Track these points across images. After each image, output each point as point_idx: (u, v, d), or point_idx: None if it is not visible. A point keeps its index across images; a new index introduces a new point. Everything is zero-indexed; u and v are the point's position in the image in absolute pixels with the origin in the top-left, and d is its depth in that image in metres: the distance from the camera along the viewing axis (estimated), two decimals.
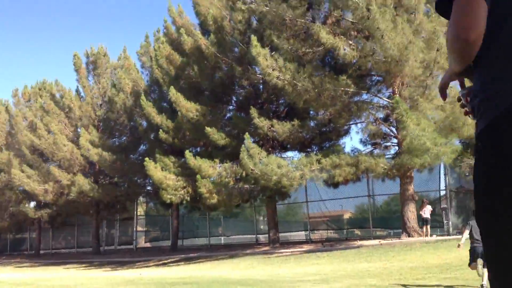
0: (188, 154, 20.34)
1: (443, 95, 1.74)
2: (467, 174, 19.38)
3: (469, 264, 7.88)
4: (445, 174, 21.22)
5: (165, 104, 26.31)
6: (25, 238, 43.94)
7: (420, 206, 19.93)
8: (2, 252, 43.82)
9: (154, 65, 24.52)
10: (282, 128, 19.88)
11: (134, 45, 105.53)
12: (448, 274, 10.08)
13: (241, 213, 33.31)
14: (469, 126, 16.04)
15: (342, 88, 17.82)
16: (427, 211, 19.66)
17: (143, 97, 24.51)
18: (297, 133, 20.17)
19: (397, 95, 17.15)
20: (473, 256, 7.70)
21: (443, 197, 22.57)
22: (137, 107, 27.04)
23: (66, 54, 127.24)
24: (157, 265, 21.24)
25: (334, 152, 18.98)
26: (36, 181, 30.78)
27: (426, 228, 19.51)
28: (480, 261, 7.40)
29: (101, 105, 33.09)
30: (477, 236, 7.49)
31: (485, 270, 7.08)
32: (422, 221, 19.70)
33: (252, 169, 18.34)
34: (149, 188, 30.87)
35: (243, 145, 19.06)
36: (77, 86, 34.26)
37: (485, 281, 7.25)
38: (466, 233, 8.13)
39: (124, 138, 31.75)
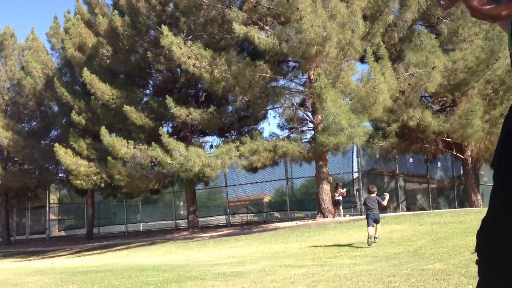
0: (103, 130, 19.44)
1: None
2: (377, 156, 20.32)
3: (368, 226, 11.03)
4: (357, 157, 22.15)
5: (77, 87, 25.24)
6: None
7: (334, 189, 20.72)
8: None
9: (66, 45, 23.32)
10: (200, 115, 19.75)
11: (42, 27, 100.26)
12: (358, 252, 10.57)
13: (160, 199, 32.91)
14: (378, 107, 16.74)
15: (260, 74, 17.97)
16: (339, 194, 20.54)
17: (57, 78, 23.35)
18: (215, 119, 20.13)
19: (318, 69, 17.48)
20: (369, 220, 11.01)
21: (356, 179, 23.58)
22: (48, 90, 25.73)
23: None
24: (71, 254, 20.53)
25: (252, 137, 19.16)
26: None
27: (339, 209, 20.37)
28: (374, 224, 11.06)
29: (9, 88, 31.14)
30: (371, 205, 11.22)
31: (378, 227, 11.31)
32: (335, 203, 20.52)
33: (170, 163, 18.00)
34: (61, 175, 29.66)
35: (153, 143, 18.42)
36: None
37: (377, 234, 11.20)
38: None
39: (34, 123, 30.18)
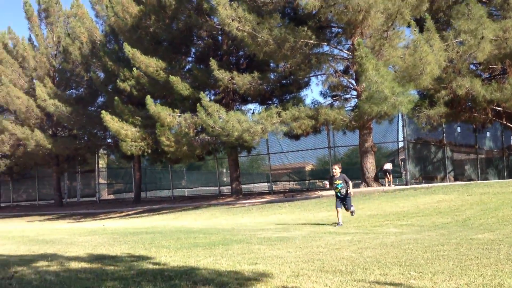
0: (149, 100, 19.86)
1: None
2: (424, 125, 19.88)
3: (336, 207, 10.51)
4: (403, 126, 21.72)
5: (122, 54, 25.59)
6: None
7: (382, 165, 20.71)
8: None
9: (110, 14, 23.54)
10: (242, 80, 19.73)
11: None
12: (404, 221, 10.49)
13: (203, 165, 33.40)
14: (425, 77, 16.29)
15: (302, 40, 17.73)
16: (388, 165, 20.40)
17: (101, 46, 23.71)
18: (257, 85, 20.06)
19: (358, 38, 17.14)
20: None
21: (401, 148, 23.19)
22: (94, 57, 26.17)
23: (18, 0, 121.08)
24: (120, 217, 21.26)
25: (294, 104, 19.05)
26: None
27: (389, 178, 20.21)
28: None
29: (55, 55, 31.89)
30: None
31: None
32: (383, 172, 20.39)
33: (212, 126, 18.22)
34: (109, 140, 30.46)
35: (198, 104, 18.76)
36: (30, 35, 32.85)
37: (341, 220, 10.36)
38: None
39: (82, 89, 30.90)
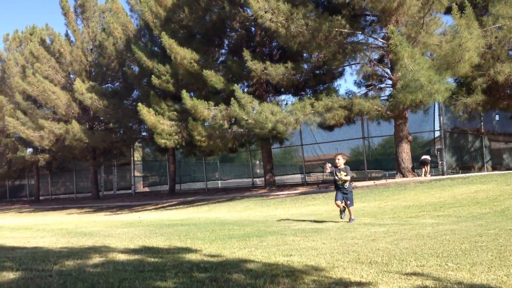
0: (185, 94, 20.10)
1: None
2: (461, 113, 19.41)
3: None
4: (439, 115, 21.25)
5: (156, 48, 25.85)
6: (24, 184, 44.43)
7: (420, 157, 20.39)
8: (2, 199, 44.37)
9: (144, 8, 23.83)
10: (275, 71, 19.66)
11: None
12: (441, 212, 10.30)
13: (237, 157, 33.56)
14: (464, 64, 15.90)
15: (337, 29, 17.52)
16: (425, 156, 20.07)
17: (133, 41, 24.03)
18: (290, 76, 19.96)
19: (392, 26, 16.83)
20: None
21: (437, 138, 22.73)
22: (128, 52, 26.56)
23: None
24: (155, 209, 21.60)
25: (328, 95, 18.89)
26: (31, 128, 30.66)
27: (426, 168, 19.85)
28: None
29: (91, 50, 32.52)
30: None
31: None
32: (420, 163, 20.05)
33: (245, 119, 18.24)
34: (144, 133, 30.93)
35: (232, 98, 18.83)
36: (66, 31, 33.60)
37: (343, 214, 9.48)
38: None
39: (117, 83, 31.44)
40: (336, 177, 9.29)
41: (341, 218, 9.45)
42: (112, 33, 27.87)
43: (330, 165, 9.49)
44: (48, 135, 30.17)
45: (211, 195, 25.37)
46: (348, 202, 9.31)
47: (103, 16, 32.49)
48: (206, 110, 20.05)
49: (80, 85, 27.51)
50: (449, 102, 18.73)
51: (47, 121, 30.13)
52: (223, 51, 24.69)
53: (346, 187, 9.30)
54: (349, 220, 9.20)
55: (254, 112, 18.38)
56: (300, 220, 10.18)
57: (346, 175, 9.24)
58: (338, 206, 9.46)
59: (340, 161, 9.37)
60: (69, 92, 30.02)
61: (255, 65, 19.60)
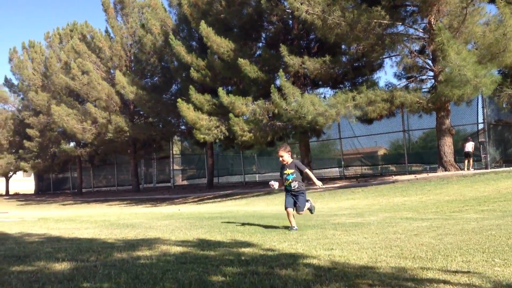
0: (221, 91, 20.29)
1: None
2: (505, 105, 18.79)
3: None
4: (483, 107, 20.65)
5: (194, 43, 26.08)
6: (67, 177, 45.76)
7: (462, 143, 19.77)
8: (46, 192, 45.82)
9: (183, 1, 24.11)
10: (313, 65, 19.50)
11: None
12: (485, 206, 10.00)
13: (274, 150, 33.58)
14: (509, 54, 15.38)
15: (376, 20, 17.22)
16: (469, 146, 19.53)
17: (171, 36, 24.31)
18: (329, 69, 19.77)
19: (438, 22, 16.44)
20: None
21: (480, 130, 22.11)
22: (167, 46, 26.88)
23: None
24: (194, 202, 21.83)
25: (368, 87, 18.61)
26: (75, 119, 31.46)
27: (469, 161, 19.38)
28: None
29: (131, 45, 33.10)
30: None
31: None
32: (464, 155, 19.58)
33: (285, 109, 18.20)
34: (183, 127, 31.31)
35: (272, 86, 18.81)
36: (106, 27, 34.35)
37: (294, 224, 7.42)
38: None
39: (156, 78, 31.93)
40: (284, 176, 7.50)
41: (293, 228, 7.28)
42: (150, 29, 28.28)
43: (273, 182, 7.81)
44: (91, 126, 30.92)
45: (249, 188, 25.45)
46: (298, 205, 7.46)
47: (142, 12, 33.03)
48: (244, 106, 20.11)
49: (122, 79, 28.08)
50: (493, 93, 18.18)
51: (93, 108, 30.87)
52: (260, 44, 24.68)
53: (294, 187, 7.46)
54: (290, 228, 7.34)
55: (295, 103, 18.30)
56: (339, 214, 10.09)
57: (295, 173, 7.43)
58: (287, 213, 7.53)
59: (285, 157, 7.47)
60: (110, 86, 30.68)
61: (292, 60, 19.49)
